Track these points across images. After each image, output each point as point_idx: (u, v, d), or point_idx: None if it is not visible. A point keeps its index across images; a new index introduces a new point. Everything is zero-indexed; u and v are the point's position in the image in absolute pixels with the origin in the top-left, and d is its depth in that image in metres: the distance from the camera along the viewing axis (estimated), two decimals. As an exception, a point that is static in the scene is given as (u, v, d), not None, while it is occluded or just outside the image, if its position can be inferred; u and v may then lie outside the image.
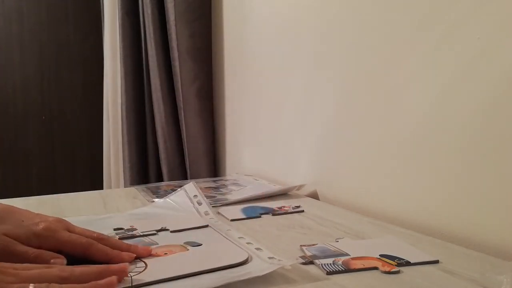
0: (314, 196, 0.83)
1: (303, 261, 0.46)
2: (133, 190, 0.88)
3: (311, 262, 0.46)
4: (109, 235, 0.55)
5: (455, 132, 0.56)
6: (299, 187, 0.84)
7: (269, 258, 0.44)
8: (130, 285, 0.39)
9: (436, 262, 0.46)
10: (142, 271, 0.42)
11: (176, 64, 1.21)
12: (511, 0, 0.49)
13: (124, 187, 1.47)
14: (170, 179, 1.28)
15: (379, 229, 0.59)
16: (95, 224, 0.61)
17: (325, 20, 0.80)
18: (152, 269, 0.42)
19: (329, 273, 0.43)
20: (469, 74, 0.54)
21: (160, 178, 1.38)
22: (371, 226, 0.60)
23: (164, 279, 0.40)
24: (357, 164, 0.74)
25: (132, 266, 0.43)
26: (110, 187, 1.80)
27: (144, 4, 1.31)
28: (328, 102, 0.80)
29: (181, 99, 1.22)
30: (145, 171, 1.46)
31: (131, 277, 0.40)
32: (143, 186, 0.90)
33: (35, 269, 0.38)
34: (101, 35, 1.93)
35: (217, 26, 1.24)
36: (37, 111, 2.28)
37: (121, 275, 0.39)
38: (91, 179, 2.24)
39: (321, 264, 0.45)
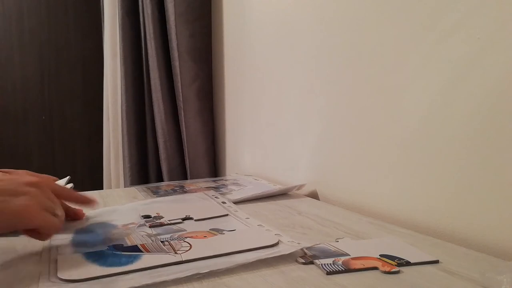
0: (314, 196, 0.83)
1: (303, 261, 0.46)
2: (133, 190, 0.88)
3: (311, 262, 0.46)
4: (139, 222, 0.60)
5: (455, 132, 0.56)
6: (299, 187, 0.84)
7: (289, 241, 0.50)
8: (181, 259, 0.45)
9: (436, 262, 0.46)
10: (188, 250, 0.48)
11: (176, 64, 1.21)
12: (511, 0, 0.49)
13: (124, 187, 1.47)
14: (170, 179, 1.28)
15: (379, 229, 0.59)
16: (121, 213, 0.66)
17: (325, 20, 0.80)
18: (196, 248, 0.49)
19: (329, 273, 0.43)
20: (469, 74, 0.54)
21: (160, 178, 1.38)
22: (371, 226, 0.60)
23: (207, 256, 0.46)
24: (357, 164, 0.74)
25: (178, 246, 0.49)
26: (110, 187, 1.80)
27: (144, 4, 1.31)
28: (328, 102, 0.80)
29: (181, 99, 1.22)
30: (145, 171, 1.46)
31: (180, 254, 0.46)
32: (143, 186, 0.90)
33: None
34: (101, 35, 1.93)
35: (217, 26, 1.24)
36: (37, 111, 2.28)
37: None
38: (91, 179, 2.24)
39: (321, 264, 0.45)
